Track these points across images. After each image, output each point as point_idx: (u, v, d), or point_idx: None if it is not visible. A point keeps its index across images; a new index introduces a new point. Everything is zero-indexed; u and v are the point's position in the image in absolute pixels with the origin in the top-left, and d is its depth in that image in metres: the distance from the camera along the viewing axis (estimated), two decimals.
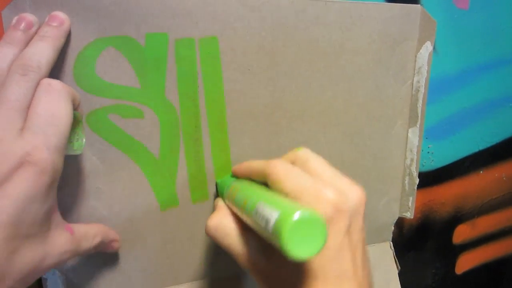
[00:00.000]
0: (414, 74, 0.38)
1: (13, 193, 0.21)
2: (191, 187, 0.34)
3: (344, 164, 0.38)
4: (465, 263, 0.56)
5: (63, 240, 0.25)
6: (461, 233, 0.54)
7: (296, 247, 0.19)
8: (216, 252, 0.36)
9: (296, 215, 0.19)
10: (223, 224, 0.27)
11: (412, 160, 0.40)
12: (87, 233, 0.28)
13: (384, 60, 0.37)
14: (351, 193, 0.24)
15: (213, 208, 0.31)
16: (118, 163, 0.31)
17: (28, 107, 0.23)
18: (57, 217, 0.25)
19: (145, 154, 0.32)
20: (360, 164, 0.39)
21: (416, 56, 0.37)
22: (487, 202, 0.54)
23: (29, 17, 0.26)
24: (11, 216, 0.21)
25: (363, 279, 0.25)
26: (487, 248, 0.57)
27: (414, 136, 0.39)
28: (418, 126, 0.39)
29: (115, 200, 0.32)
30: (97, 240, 0.29)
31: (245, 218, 0.25)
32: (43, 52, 0.24)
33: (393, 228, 0.42)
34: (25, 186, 0.21)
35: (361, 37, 0.35)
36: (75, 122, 0.26)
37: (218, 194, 0.34)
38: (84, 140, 0.28)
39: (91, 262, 0.32)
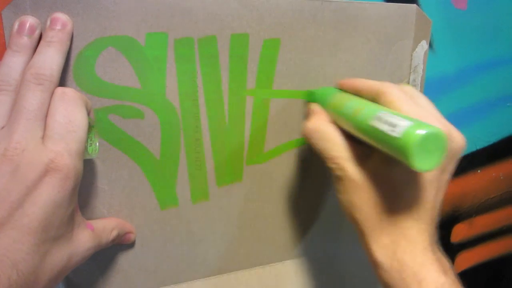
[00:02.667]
0: (410, 73, 0.38)
1: (42, 199, 0.22)
2: (191, 188, 0.34)
3: None
4: (463, 262, 0.56)
5: (86, 238, 0.26)
6: (459, 232, 0.54)
7: (421, 158, 0.21)
8: (216, 251, 0.36)
9: (428, 129, 0.21)
10: (322, 128, 0.30)
11: None
12: (105, 227, 0.29)
13: (379, 59, 0.37)
14: (460, 137, 0.27)
15: (307, 113, 0.34)
16: (118, 163, 0.31)
17: (45, 116, 0.24)
18: (79, 216, 0.27)
19: (146, 154, 0.32)
20: None
21: (411, 55, 0.38)
22: (485, 201, 0.54)
23: (31, 20, 0.26)
24: (41, 222, 0.22)
25: (434, 219, 0.28)
26: (485, 247, 0.57)
27: None
28: None
29: (115, 199, 0.32)
30: (114, 233, 0.30)
31: (353, 125, 0.27)
32: (53, 58, 0.25)
33: None
34: (52, 193, 0.22)
35: (356, 37, 0.36)
36: (88, 128, 0.26)
37: (311, 101, 0.35)
38: (97, 144, 0.28)
39: (91, 261, 0.32)
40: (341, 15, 0.34)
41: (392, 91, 0.27)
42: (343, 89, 0.33)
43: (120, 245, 0.33)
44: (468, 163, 0.51)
